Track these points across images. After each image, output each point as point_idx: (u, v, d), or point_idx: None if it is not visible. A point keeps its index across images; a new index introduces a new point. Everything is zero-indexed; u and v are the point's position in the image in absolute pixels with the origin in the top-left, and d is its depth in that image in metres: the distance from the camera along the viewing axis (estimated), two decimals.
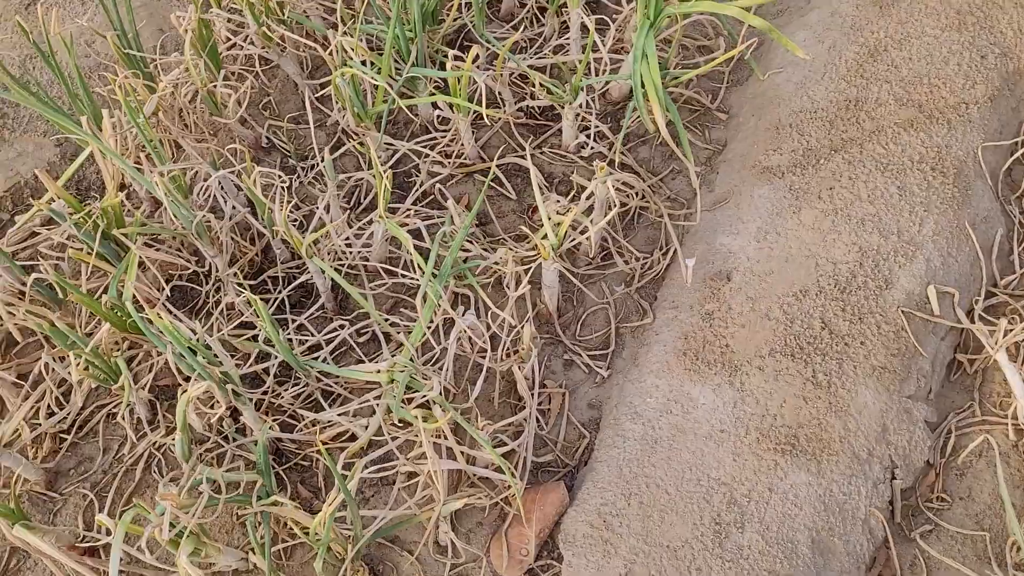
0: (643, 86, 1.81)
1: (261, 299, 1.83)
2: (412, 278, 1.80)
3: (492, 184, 1.98)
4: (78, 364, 1.44)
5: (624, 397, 1.68)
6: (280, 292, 1.83)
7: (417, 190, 1.96)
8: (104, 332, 1.44)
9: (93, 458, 1.68)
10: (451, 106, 1.92)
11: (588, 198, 1.66)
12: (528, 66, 2.05)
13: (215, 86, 1.83)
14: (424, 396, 1.49)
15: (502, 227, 1.93)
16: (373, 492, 1.63)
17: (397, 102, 1.73)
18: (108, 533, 1.59)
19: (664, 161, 2.02)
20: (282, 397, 1.68)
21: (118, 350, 1.62)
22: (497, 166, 2.00)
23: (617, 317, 1.81)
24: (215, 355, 1.54)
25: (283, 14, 1.98)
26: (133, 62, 1.86)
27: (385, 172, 1.63)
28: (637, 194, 1.80)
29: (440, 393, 1.47)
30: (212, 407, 1.66)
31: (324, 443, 1.66)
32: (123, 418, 1.49)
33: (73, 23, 2.13)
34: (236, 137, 2.00)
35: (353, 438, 1.67)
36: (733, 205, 1.85)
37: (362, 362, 1.77)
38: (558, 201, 1.77)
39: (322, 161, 2.00)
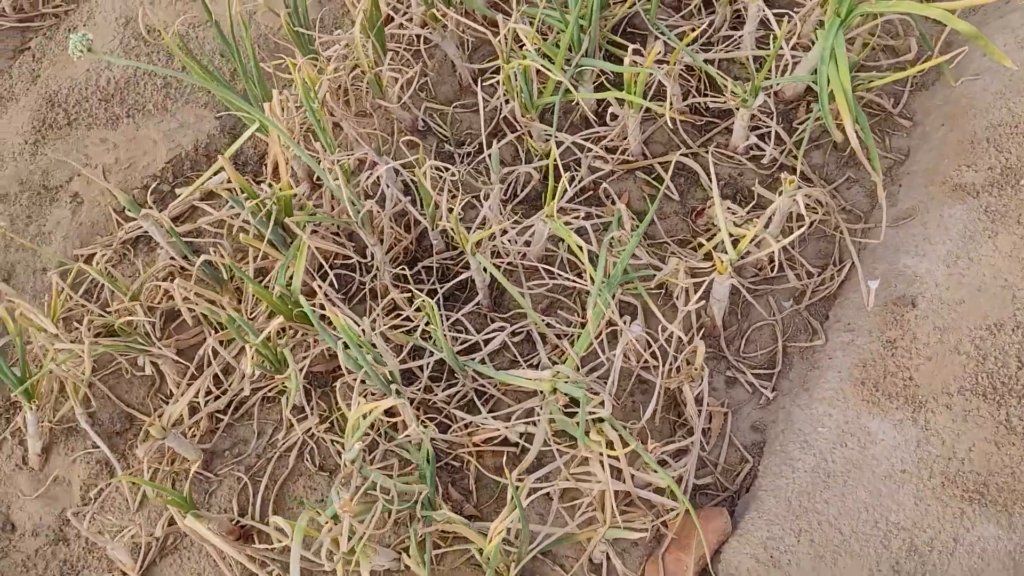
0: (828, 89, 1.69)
1: (412, 288, 1.80)
2: (572, 280, 1.74)
3: (654, 183, 1.90)
4: (252, 356, 1.43)
5: (792, 423, 1.60)
6: (434, 283, 1.80)
7: (576, 185, 1.89)
8: (276, 324, 1.42)
9: (247, 440, 1.68)
10: (620, 101, 1.84)
11: (771, 211, 1.57)
12: (703, 61, 1.94)
13: (382, 69, 1.78)
14: (593, 413, 1.43)
15: (664, 229, 1.84)
16: (527, 502, 1.59)
17: (574, 94, 1.65)
18: (265, 525, 1.61)
19: (839, 168, 1.89)
20: (435, 395, 1.65)
21: (282, 338, 1.62)
22: (660, 164, 1.91)
23: (784, 335, 1.72)
24: (378, 353, 1.51)
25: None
26: (301, 40, 1.83)
27: (547, 169, 1.56)
28: (821, 205, 1.69)
29: (607, 408, 1.42)
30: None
31: (476, 446, 1.63)
32: (289, 411, 1.48)
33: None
34: (394, 119, 1.96)
35: (505, 442, 1.64)
36: (919, 223, 1.72)
37: (516, 362, 1.72)
38: (731, 209, 1.67)
39: (480, 150, 1.95)
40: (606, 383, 1.60)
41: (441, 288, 1.78)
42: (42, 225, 1.89)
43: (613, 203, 1.88)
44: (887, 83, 1.98)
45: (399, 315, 1.75)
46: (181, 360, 1.70)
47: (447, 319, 1.75)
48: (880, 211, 1.80)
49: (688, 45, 2.05)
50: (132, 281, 1.79)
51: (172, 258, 1.81)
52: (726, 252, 1.55)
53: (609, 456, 1.43)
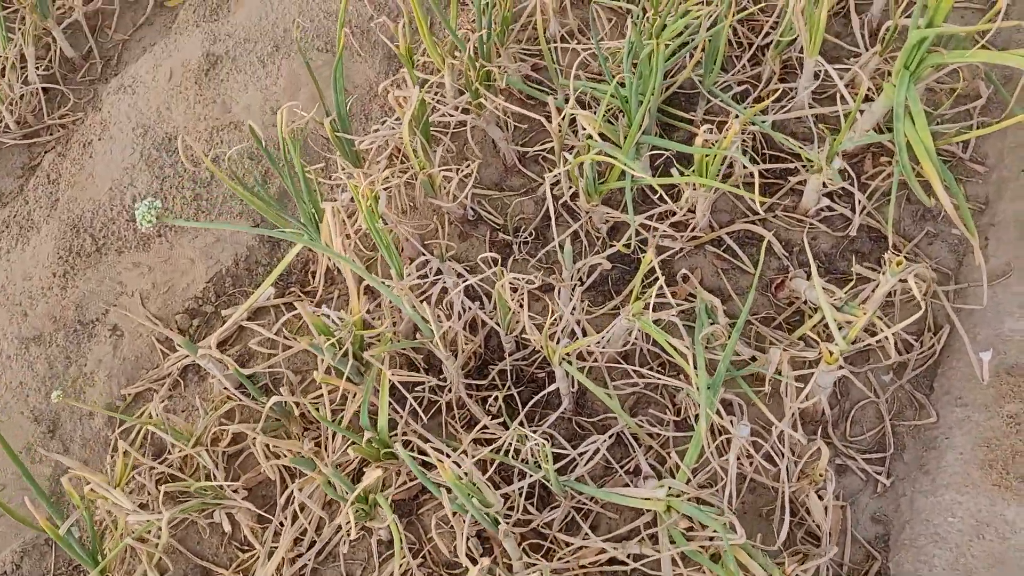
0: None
1: (486, 395, 1.70)
2: (660, 376, 1.64)
3: (725, 256, 1.81)
4: (350, 513, 1.31)
5: (918, 513, 1.50)
6: (509, 388, 1.69)
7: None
8: (373, 477, 1.31)
9: None
10: (683, 176, 1.75)
11: (877, 293, 1.47)
12: (771, 125, 1.85)
13: (436, 171, 1.67)
14: (722, 540, 1.33)
15: (742, 304, 1.75)
16: None
17: (648, 179, 1.56)
18: None
19: (915, 223, 1.81)
20: (536, 518, 1.55)
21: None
22: (729, 235, 1.82)
23: (890, 413, 1.63)
24: (478, 489, 1.40)
25: (491, 81, 1.81)
26: (343, 144, 1.72)
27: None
28: (924, 281, 1.60)
29: (739, 534, 1.32)
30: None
31: (583, 568, 1.53)
32: (399, 561, 1.36)
33: (267, 99, 2.00)
34: (444, 213, 1.85)
35: (614, 562, 1.54)
36: (1017, 281, 1.64)
37: (610, 468, 1.62)
38: (827, 290, 1.58)
39: (537, 236, 1.86)
40: (714, 488, 1.51)
41: (522, 401, 1.67)
42: (83, 365, 1.77)
43: (686, 281, 1.78)
44: (950, 127, 1.90)
45: (475, 424, 1.65)
46: (253, 506, 1.58)
47: (534, 430, 1.64)
48: (969, 269, 1.72)
49: (740, 103, 1.96)
50: (188, 417, 1.67)
51: (226, 388, 1.69)
52: (833, 341, 1.45)
53: None
